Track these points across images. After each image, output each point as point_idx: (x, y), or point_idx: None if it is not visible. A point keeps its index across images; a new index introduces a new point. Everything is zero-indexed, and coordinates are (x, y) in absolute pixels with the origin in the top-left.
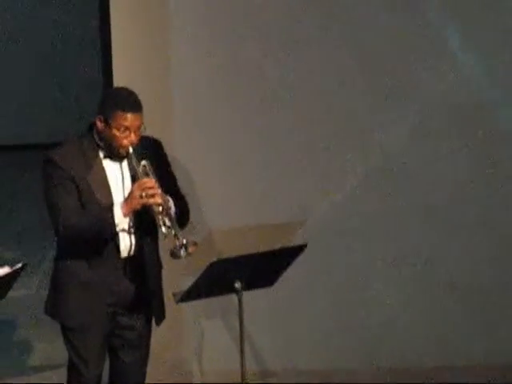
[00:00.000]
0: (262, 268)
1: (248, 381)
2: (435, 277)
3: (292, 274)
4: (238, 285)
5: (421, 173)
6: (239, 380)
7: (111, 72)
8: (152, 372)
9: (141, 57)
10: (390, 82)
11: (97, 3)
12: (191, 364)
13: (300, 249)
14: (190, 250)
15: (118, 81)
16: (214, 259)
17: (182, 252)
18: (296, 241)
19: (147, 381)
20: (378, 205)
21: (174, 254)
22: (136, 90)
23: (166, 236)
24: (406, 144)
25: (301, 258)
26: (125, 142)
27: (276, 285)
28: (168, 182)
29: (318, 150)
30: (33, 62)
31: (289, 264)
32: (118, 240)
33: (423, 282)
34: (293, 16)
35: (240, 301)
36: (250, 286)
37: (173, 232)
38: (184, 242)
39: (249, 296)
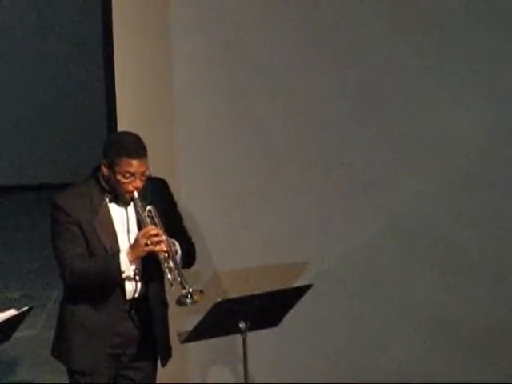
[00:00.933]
0: (267, 308)
1: None
2: None
3: (296, 314)
4: (242, 325)
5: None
6: None
7: (115, 109)
8: None
9: (144, 101)
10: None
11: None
12: None
13: (305, 289)
14: (196, 298)
15: (122, 124)
16: (219, 299)
17: (188, 300)
18: (301, 281)
19: None
20: (389, 250)
21: (180, 302)
22: (139, 131)
23: (172, 284)
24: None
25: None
26: (130, 187)
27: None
28: (174, 223)
29: (324, 196)
30: (36, 107)
31: (294, 304)
32: (124, 284)
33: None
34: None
35: (244, 341)
36: (254, 326)
37: (179, 279)
38: (190, 290)
39: (253, 337)
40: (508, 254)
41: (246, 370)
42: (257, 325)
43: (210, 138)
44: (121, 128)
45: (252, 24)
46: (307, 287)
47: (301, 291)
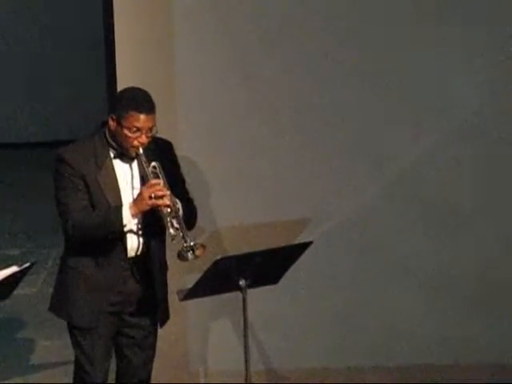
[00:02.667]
0: (267, 265)
1: (253, 381)
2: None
3: (298, 273)
4: (242, 282)
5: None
6: (244, 380)
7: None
8: (157, 372)
9: (145, 65)
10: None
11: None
12: (196, 364)
13: (304, 246)
14: (198, 252)
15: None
16: (219, 257)
17: (190, 255)
18: (302, 239)
19: (152, 381)
20: (391, 211)
21: (182, 256)
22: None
23: (173, 238)
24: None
25: (307, 257)
26: (135, 142)
27: (281, 283)
28: (177, 184)
29: (328, 153)
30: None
31: (293, 261)
32: (126, 240)
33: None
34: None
35: (244, 298)
36: (254, 283)
37: (181, 234)
38: (192, 244)
39: (253, 295)
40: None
41: (245, 327)
42: (257, 282)
43: (214, 96)
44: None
45: None
46: (307, 244)
47: (301, 248)
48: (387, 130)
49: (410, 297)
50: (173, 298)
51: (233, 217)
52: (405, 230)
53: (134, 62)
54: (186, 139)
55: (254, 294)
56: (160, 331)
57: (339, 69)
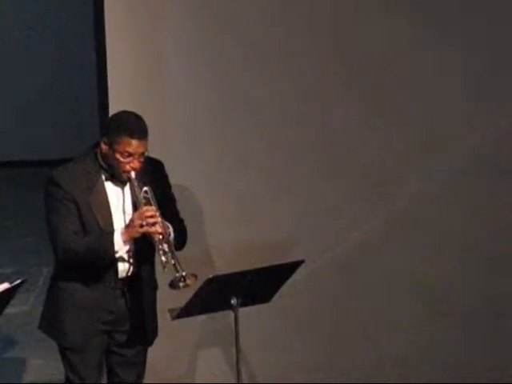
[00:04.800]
0: (259, 284)
1: None
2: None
3: (289, 290)
4: (234, 301)
5: None
6: None
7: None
8: None
9: (137, 87)
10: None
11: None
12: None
13: (296, 265)
14: (189, 282)
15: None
16: (211, 276)
17: (181, 284)
18: (294, 257)
19: None
20: (386, 232)
21: (173, 285)
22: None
23: (165, 265)
24: None
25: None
26: (127, 167)
27: (273, 301)
28: (168, 204)
29: (320, 171)
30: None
31: (285, 280)
32: (117, 263)
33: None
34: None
35: (236, 317)
36: (246, 302)
37: (172, 262)
38: (183, 274)
39: (244, 313)
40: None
41: (237, 345)
42: (248, 301)
43: (200, 110)
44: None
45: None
46: (299, 263)
47: (292, 267)
48: (384, 152)
49: (404, 316)
50: (165, 317)
51: (223, 235)
52: (402, 250)
53: (127, 82)
54: (175, 158)
55: (245, 311)
56: (150, 349)
57: (330, 83)
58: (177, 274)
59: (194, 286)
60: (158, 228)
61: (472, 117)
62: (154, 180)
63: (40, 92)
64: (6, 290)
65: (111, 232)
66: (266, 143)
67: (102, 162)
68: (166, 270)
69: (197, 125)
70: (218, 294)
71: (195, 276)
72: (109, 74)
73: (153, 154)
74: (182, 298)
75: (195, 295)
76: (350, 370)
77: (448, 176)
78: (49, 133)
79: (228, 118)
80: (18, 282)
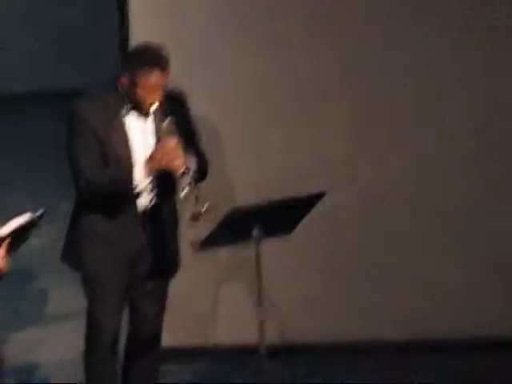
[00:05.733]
0: (280, 216)
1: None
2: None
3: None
4: (256, 232)
5: None
6: (257, 339)
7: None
8: (168, 334)
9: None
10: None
11: None
12: (207, 323)
13: (318, 197)
14: (210, 214)
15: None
16: (232, 207)
17: (202, 216)
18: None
19: (163, 343)
20: (406, 169)
21: (194, 218)
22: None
23: (186, 198)
24: None
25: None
26: (149, 99)
27: (296, 237)
28: (189, 137)
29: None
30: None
31: (307, 212)
32: (138, 196)
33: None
34: None
35: (258, 249)
36: (268, 233)
37: (193, 194)
38: (205, 206)
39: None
40: None
41: (259, 278)
42: (270, 232)
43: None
44: (133, 39)
45: None
46: (320, 196)
47: (314, 199)
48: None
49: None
50: (184, 252)
51: (246, 168)
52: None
53: (148, 16)
54: (201, 97)
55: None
56: (172, 283)
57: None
58: (198, 207)
59: (216, 218)
60: (180, 160)
61: None
62: (176, 112)
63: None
64: (29, 222)
65: (132, 165)
66: (288, 74)
67: (123, 95)
68: (187, 202)
69: (217, 57)
70: (240, 226)
71: (216, 208)
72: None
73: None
74: (204, 230)
75: (217, 227)
76: (369, 310)
77: None
78: (73, 65)
79: (252, 53)
80: (40, 212)
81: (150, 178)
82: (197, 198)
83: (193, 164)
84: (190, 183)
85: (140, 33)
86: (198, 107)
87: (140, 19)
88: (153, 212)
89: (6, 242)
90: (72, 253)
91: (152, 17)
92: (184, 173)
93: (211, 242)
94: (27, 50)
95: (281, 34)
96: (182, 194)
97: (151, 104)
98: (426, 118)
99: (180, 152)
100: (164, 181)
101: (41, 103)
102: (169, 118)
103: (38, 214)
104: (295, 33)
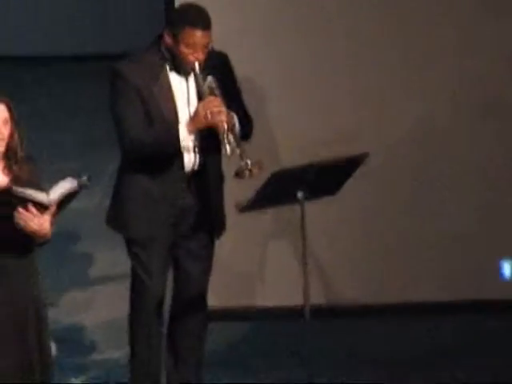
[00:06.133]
0: (324, 177)
1: (312, 301)
2: None
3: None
4: (300, 194)
5: None
6: (303, 299)
7: None
8: (214, 295)
9: None
10: None
11: None
12: (252, 283)
13: (362, 158)
14: (255, 171)
15: None
16: (277, 169)
17: (247, 173)
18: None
19: (210, 303)
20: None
21: (239, 175)
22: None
23: (230, 155)
24: None
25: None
26: (191, 58)
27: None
28: (233, 97)
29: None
30: None
31: (351, 173)
32: (183, 155)
33: None
34: None
35: (302, 210)
36: (312, 195)
37: (238, 151)
38: (249, 162)
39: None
40: None
41: (304, 240)
42: (314, 194)
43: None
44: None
45: None
46: (364, 156)
47: (358, 160)
48: None
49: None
50: (229, 213)
51: (291, 133)
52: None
53: None
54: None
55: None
56: (218, 244)
57: None
58: (242, 163)
59: (260, 177)
60: (223, 117)
61: None
62: (219, 73)
63: None
64: (74, 188)
65: (176, 123)
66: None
67: (165, 54)
68: (232, 159)
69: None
70: (284, 188)
71: (261, 164)
72: None
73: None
74: (250, 191)
75: (261, 189)
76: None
77: None
78: (113, 26)
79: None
80: (85, 178)
81: (194, 135)
82: (241, 154)
83: (236, 121)
84: (233, 140)
85: None
86: (242, 68)
87: None
88: (198, 172)
89: (53, 208)
90: (116, 215)
91: None
92: (227, 128)
93: (255, 203)
94: (71, 11)
95: None
96: (227, 151)
97: (193, 63)
98: None
99: (223, 109)
100: (208, 140)
101: (87, 65)
102: (210, 77)
103: (83, 180)
104: None
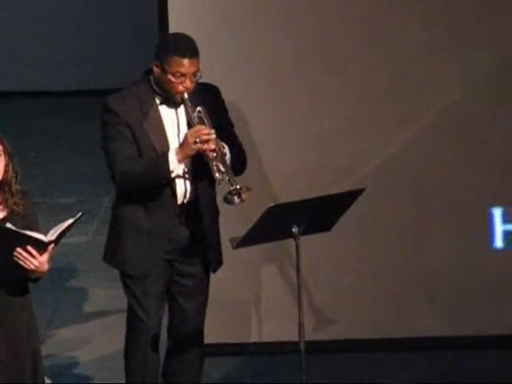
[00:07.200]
0: (320, 212)
1: (307, 336)
2: None
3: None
4: (295, 229)
5: None
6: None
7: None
8: (210, 331)
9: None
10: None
11: None
12: (247, 320)
13: (358, 193)
14: (244, 196)
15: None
16: (272, 204)
17: (236, 198)
18: (353, 185)
19: (205, 339)
20: (443, 152)
21: (228, 200)
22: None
23: (219, 182)
24: None
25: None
26: (180, 87)
27: (335, 235)
28: (225, 129)
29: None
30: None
31: (347, 208)
32: (175, 186)
33: None
34: None
35: (297, 246)
36: (307, 230)
37: (226, 178)
38: (238, 187)
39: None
40: None
41: (298, 276)
42: (310, 229)
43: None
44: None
45: None
46: (360, 191)
47: (353, 195)
48: None
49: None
50: (224, 248)
51: (283, 164)
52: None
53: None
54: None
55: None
56: (212, 284)
57: None
58: (231, 188)
59: (255, 212)
60: (212, 145)
61: None
62: (210, 104)
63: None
64: (69, 226)
65: (166, 152)
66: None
67: (155, 86)
68: (221, 186)
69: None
70: (279, 223)
71: (249, 189)
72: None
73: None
74: (244, 227)
75: (256, 224)
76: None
77: None
78: (110, 62)
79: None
80: (79, 215)
81: (186, 164)
82: (230, 180)
83: (226, 151)
84: (222, 168)
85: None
86: (235, 100)
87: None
88: (191, 204)
89: (51, 246)
90: (112, 251)
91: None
92: (216, 156)
93: (250, 239)
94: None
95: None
96: (216, 178)
97: (182, 92)
98: None
99: (212, 136)
100: (200, 171)
101: (83, 99)
102: (200, 108)
103: (76, 217)
104: None
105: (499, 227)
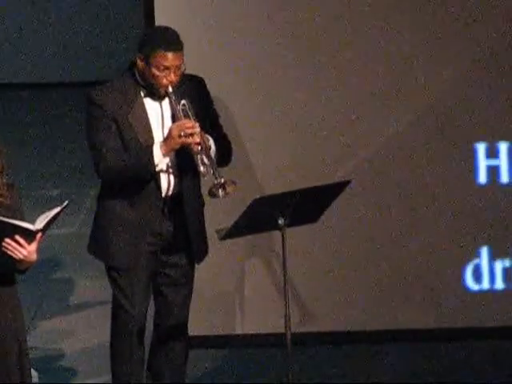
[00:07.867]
0: (306, 204)
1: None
2: None
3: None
4: (281, 221)
5: None
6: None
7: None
8: (193, 324)
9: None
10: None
11: None
12: (231, 311)
13: (343, 185)
14: (229, 189)
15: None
16: (258, 196)
17: (220, 191)
18: (341, 179)
19: (190, 331)
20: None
21: (212, 193)
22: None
23: (204, 175)
24: None
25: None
26: (164, 81)
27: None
28: (210, 121)
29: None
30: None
31: (332, 200)
32: (159, 180)
33: None
34: None
35: (283, 237)
36: (293, 222)
37: (211, 171)
38: (222, 181)
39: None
40: None
41: (284, 267)
42: (295, 221)
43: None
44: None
45: None
46: (346, 183)
47: (339, 187)
48: None
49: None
50: (212, 240)
51: (268, 157)
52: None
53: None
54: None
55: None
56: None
57: None
58: (216, 181)
59: (242, 203)
60: (196, 138)
61: None
62: (195, 97)
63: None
64: (56, 214)
65: (150, 145)
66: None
67: (139, 79)
68: (206, 178)
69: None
70: (265, 214)
71: (234, 183)
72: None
73: (192, 70)
74: (231, 219)
75: (242, 215)
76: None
77: None
78: (96, 54)
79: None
80: (65, 203)
81: (170, 157)
82: (214, 173)
83: (211, 144)
84: (207, 161)
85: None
86: (222, 94)
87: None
88: (176, 196)
89: (39, 235)
90: (97, 243)
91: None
92: (201, 149)
93: (236, 230)
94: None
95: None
96: (201, 171)
97: (166, 86)
98: None
99: (196, 130)
100: (185, 164)
101: (66, 92)
102: (184, 101)
103: (63, 205)
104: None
105: None
